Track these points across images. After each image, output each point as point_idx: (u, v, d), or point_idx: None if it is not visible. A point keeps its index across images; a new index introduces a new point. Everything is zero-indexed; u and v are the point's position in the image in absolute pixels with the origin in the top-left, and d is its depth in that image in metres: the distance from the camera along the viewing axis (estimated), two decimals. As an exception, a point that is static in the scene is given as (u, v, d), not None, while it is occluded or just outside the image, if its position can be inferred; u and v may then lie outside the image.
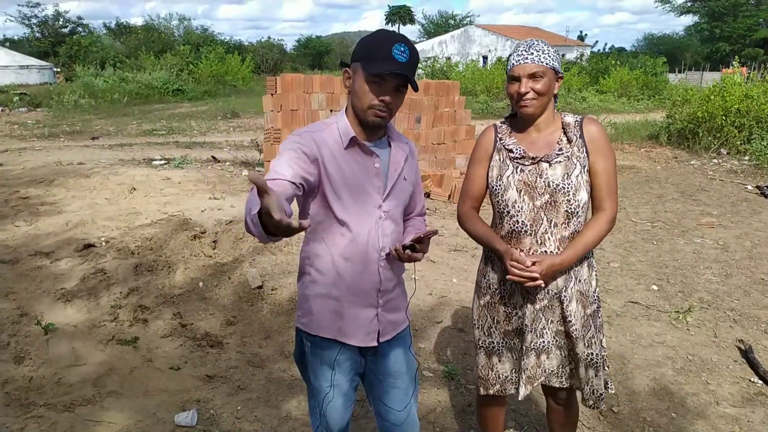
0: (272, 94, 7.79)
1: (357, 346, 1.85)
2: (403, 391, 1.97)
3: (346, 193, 1.72)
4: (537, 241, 2.01)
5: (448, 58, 33.46)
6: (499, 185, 2.05)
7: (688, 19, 52.80)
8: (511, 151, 2.04)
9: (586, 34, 74.17)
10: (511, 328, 2.15)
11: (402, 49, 1.63)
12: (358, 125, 1.74)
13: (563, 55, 37.09)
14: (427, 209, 2.11)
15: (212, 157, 9.54)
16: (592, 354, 2.11)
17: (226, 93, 26.68)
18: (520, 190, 2.01)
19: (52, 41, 44.02)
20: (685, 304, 4.42)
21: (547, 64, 1.91)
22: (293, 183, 1.54)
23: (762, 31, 42.46)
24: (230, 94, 26.11)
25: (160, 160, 8.93)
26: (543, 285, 1.98)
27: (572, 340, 2.08)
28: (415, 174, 1.91)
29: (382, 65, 1.62)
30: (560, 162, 1.98)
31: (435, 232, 1.73)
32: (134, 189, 6.48)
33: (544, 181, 1.98)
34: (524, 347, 2.11)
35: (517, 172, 2.02)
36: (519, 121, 2.07)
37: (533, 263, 1.93)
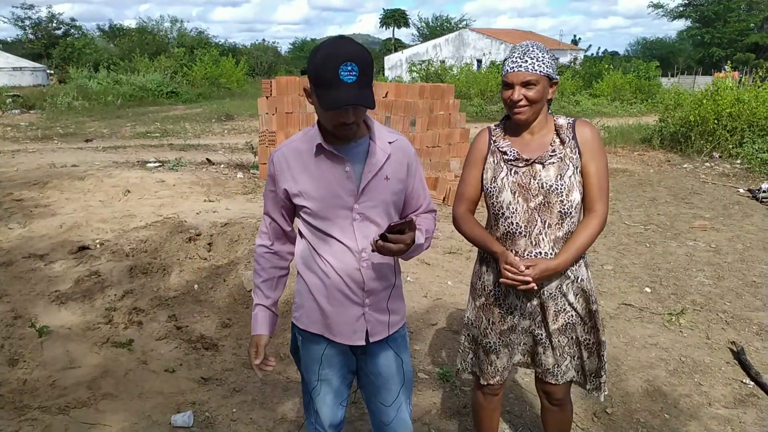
0: (267, 97, 7.80)
1: (348, 344, 1.88)
2: (394, 392, 1.97)
3: (318, 199, 1.76)
4: (531, 242, 2.03)
5: (443, 62, 33.53)
6: (494, 187, 2.07)
7: (681, 24, 53.21)
8: (505, 153, 2.06)
9: (579, 38, 74.64)
10: (507, 327, 2.18)
11: (349, 68, 1.54)
12: (328, 132, 1.74)
13: (557, 59, 37.22)
14: (432, 209, 2.12)
15: (207, 159, 9.53)
16: (589, 340, 2.16)
17: (220, 95, 26.65)
18: (515, 192, 2.03)
19: (46, 43, 43.84)
20: (678, 307, 4.45)
21: (541, 71, 1.92)
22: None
23: (753, 36, 42.74)
24: (224, 97, 26.09)
25: (155, 162, 8.91)
26: (536, 288, 2.00)
27: (573, 328, 2.13)
28: (405, 172, 1.85)
29: (332, 95, 1.56)
30: (553, 163, 2.00)
31: (410, 221, 1.69)
32: (128, 191, 6.47)
33: (537, 183, 2.00)
34: (522, 329, 2.16)
35: (511, 173, 2.04)
36: (513, 124, 2.09)
37: (527, 267, 1.95)
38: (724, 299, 4.64)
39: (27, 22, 45.38)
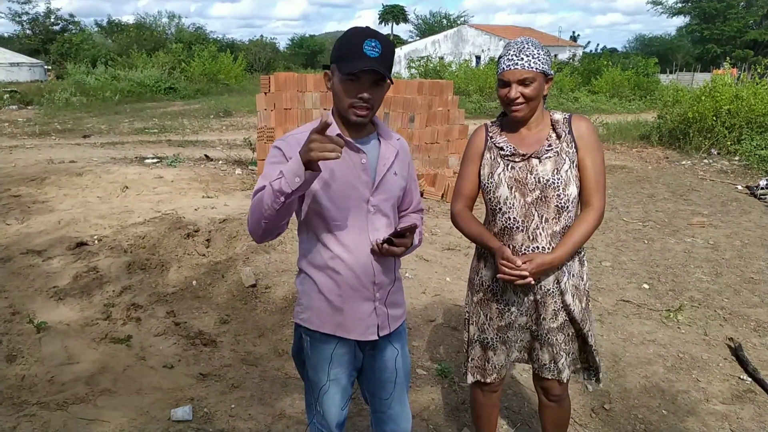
0: (266, 93, 7.78)
1: (356, 340, 1.88)
2: (399, 386, 2.01)
3: (334, 189, 1.76)
4: (529, 237, 2.03)
5: (441, 58, 33.43)
6: (491, 183, 2.07)
7: (680, 21, 53.01)
8: (501, 148, 2.07)
9: (578, 35, 74.52)
10: (504, 324, 2.18)
11: (373, 44, 1.64)
12: (342, 125, 1.79)
13: (555, 56, 37.20)
14: (420, 208, 2.15)
15: (205, 155, 9.51)
16: (581, 332, 2.19)
17: (218, 91, 26.57)
18: (512, 187, 2.03)
19: (43, 39, 43.63)
20: (676, 303, 4.46)
21: (536, 68, 1.93)
22: None
23: (752, 33, 42.74)
24: (223, 93, 26.01)
25: (153, 158, 8.89)
26: (533, 283, 2.00)
27: (574, 324, 2.15)
28: (407, 170, 1.94)
29: (353, 63, 1.65)
30: (550, 158, 2.01)
31: (414, 227, 1.78)
32: (127, 187, 6.46)
33: (534, 177, 2.01)
34: (520, 326, 2.18)
35: (507, 169, 2.05)
36: (509, 120, 2.10)
37: (524, 262, 1.96)
38: (722, 296, 4.65)
39: (24, 18, 45.20)
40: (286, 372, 3.31)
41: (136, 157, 9.05)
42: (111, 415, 2.83)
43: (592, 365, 2.26)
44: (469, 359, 2.31)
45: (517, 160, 2.04)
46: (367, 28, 1.71)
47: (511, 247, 2.05)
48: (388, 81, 1.70)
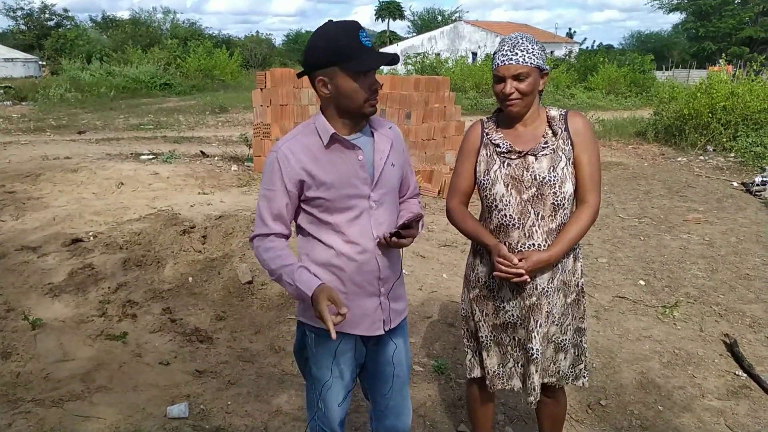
0: (262, 89, 7.75)
1: (360, 335, 1.88)
2: (401, 380, 2.01)
3: (334, 189, 1.75)
4: (525, 234, 2.03)
5: (438, 54, 33.41)
6: (487, 180, 2.07)
7: (676, 18, 53.20)
8: (497, 145, 2.06)
9: (575, 31, 74.51)
10: (499, 322, 2.18)
11: (365, 35, 1.66)
12: (339, 122, 1.77)
13: (552, 52, 37.20)
14: (417, 192, 2.15)
15: (201, 152, 9.48)
16: (565, 340, 2.17)
17: (214, 87, 26.48)
18: (508, 184, 2.03)
19: (38, 34, 43.37)
20: (672, 299, 4.47)
21: (531, 63, 1.92)
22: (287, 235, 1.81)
23: (747, 30, 42.81)
24: (218, 89, 25.93)
25: (148, 154, 8.85)
26: (529, 280, 2.00)
27: (547, 325, 2.11)
28: (403, 157, 1.92)
29: (364, 60, 1.65)
30: (546, 155, 2.00)
31: (420, 216, 1.79)
32: (122, 184, 6.43)
33: (530, 175, 2.00)
34: (516, 341, 2.16)
35: (504, 166, 2.04)
36: (505, 117, 2.09)
37: (520, 260, 1.96)
38: (718, 292, 4.66)
39: (19, 13, 44.91)
40: (283, 369, 3.30)
41: (132, 154, 9.01)
42: (107, 412, 2.82)
43: (577, 364, 2.25)
44: (467, 355, 2.31)
45: (513, 157, 2.03)
46: (344, 22, 1.69)
47: (506, 244, 2.04)
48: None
